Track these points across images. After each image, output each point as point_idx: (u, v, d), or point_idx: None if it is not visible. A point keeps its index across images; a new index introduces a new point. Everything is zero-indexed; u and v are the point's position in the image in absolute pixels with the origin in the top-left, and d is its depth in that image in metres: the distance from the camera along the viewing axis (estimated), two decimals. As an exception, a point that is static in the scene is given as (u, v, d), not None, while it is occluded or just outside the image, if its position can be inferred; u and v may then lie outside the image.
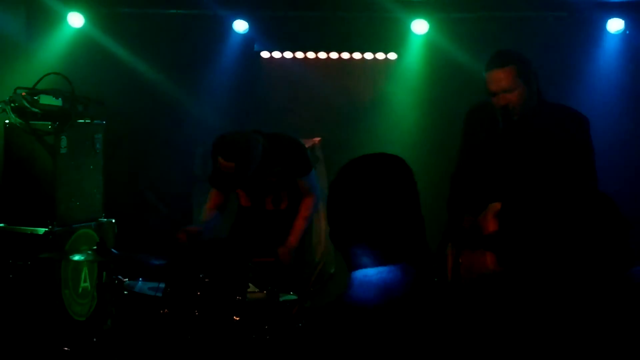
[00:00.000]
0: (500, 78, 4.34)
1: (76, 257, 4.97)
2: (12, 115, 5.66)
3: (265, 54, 7.51)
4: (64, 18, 7.08)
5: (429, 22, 6.87)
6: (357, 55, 7.34)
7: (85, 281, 5.92)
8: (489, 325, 2.00)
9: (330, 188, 2.09)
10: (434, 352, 1.91)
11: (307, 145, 6.70)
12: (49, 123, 5.69)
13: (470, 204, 4.46)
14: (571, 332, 2.06)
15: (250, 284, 4.71)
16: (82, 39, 7.16)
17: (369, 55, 7.33)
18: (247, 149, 4.91)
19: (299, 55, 7.44)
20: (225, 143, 4.92)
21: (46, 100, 5.71)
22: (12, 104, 5.64)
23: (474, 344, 1.95)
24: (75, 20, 7.08)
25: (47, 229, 5.60)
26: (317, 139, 7.11)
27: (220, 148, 4.93)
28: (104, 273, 4.91)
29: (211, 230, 5.32)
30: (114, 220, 6.22)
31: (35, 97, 5.66)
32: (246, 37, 7.34)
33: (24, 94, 5.65)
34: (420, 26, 6.88)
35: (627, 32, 6.60)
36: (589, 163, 4.36)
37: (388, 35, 7.13)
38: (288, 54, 7.46)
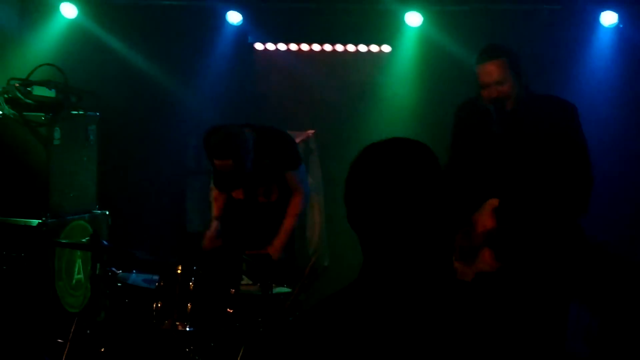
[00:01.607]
0: (491, 70, 4.40)
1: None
2: (5, 107, 5.64)
3: (259, 46, 7.50)
4: (57, 9, 7.06)
5: (423, 14, 6.86)
6: (350, 48, 7.33)
7: (78, 273, 5.91)
8: (490, 321, 1.98)
9: (351, 168, 1.99)
10: (432, 348, 1.90)
11: (301, 138, 6.71)
12: (42, 114, 5.67)
13: (464, 200, 4.46)
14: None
15: (243, 277, 4.72)
16: (75, 30, 7.15)
17: (362, 48, 7.32)
18: (240, 142, 4.90)
19: (293, 47, 7.43)
20: (215, 143, 4.89)
21: (39, 91, 5.69)
22: (5, 95, 5.62)
23: (474, 339, 1.94)
24: (69, 11, 7.07)
25: (40, 221, 5.59)
26: (311, 131, 7.11)
27: (212, 149, 4.90)
28: (98, 265, 4.91)
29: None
30: (107, 212, 6.21)
31: (29, 88, 5.64)
32: (240, 29, 7.32)
33: (17, 85, 5.63)
34: (414, 18, 6.88)
35: (621, 25, 6.60)
36: (583, 151, 4.40)
37: (382, 27, 7.12)
38: (282, 46, 7.45)
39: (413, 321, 1.90)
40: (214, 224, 5.32)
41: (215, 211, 5.39)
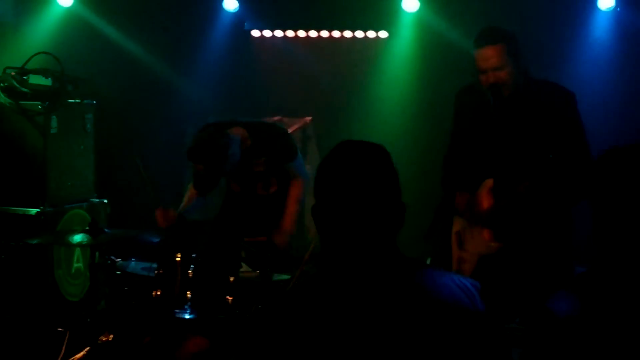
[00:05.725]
0: (490, 55, 4.33)
1: (73, 239, 4.95)
2: (2, 95, 5.63)
3: (255, 33, 7.48)
4: (52, -3, 7.04)
5: (419, -1, 6.86)
6: (347, 34, 7.32)
7: (78, 262, 5.92)
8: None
9: (318, 171, 2.13)
10: (406, 328, 1.93)
11: (298, 124, 6.71)
12: (39, 103, 5.66)
13: (464, 183, 4.47)
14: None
15: (242, 264, 4.72)
16: (71, 18, 7.13)
17: (359, 34, 7.30)
18: (215, 149, 4.82)
19: (290, 33, 7.42)
20: (193, 146, 4.87)
21: (36, 80, 5.68)
22: (2, 84, 5.61)
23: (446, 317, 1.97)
24: (65, -1, 7.05)
25: (38, 210, 5.59)
26: (309, 118, 7.11)
27: (189, 151, 4.89)
28: (97, 253, 4.91)
29: (196, 211, 5.28)
30: (106, 200, 6.21)
31: (25, 77, 5.64)
32: (236, 16, 7.31)
33: (13, 73, 5.62)
34: (411, 4, 6.86)
35: (618, 9, 6.59)
36: (581, 138, 4.37)
37: (379, 13, 7.11)
38: (279, 33, 7.44)
39: (370, 306, 1.99)
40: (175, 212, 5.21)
41: (183, 206, 5.31)
